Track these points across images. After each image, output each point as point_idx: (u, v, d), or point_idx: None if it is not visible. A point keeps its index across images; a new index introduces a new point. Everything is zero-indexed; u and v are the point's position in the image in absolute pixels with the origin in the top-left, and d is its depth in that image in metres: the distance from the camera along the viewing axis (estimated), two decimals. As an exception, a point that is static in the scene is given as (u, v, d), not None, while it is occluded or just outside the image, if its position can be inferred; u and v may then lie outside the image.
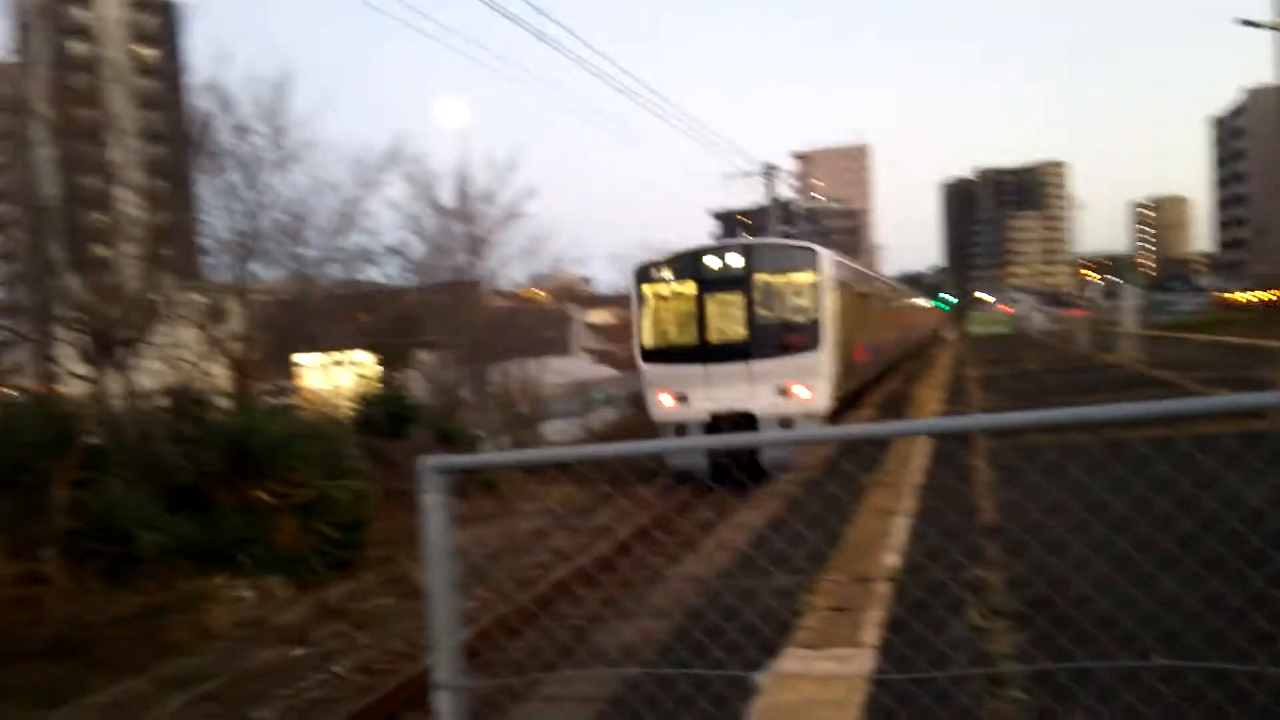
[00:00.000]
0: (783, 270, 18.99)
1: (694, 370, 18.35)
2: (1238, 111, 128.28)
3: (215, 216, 18.79)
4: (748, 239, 24.86)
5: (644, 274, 19.50)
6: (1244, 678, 4.27)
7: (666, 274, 19.21)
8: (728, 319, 18.57)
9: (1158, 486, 5.51)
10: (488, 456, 4.09)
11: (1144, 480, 5.40)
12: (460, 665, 3.19)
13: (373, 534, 13.94)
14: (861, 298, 25.62)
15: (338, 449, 14.61)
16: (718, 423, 18.03)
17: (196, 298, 18.22)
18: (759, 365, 18.09)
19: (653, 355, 19.04)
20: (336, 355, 21.91)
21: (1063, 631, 4.68)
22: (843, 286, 21.06)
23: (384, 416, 18.48)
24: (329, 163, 34.32)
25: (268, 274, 19.89)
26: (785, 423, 17.88)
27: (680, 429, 18.23)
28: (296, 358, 23.44)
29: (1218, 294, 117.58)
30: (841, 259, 23.24)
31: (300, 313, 19.13)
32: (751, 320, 18.45)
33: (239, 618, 11.55)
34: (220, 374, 18.38)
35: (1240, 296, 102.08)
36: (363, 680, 9.71)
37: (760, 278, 18.73)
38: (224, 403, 16.69)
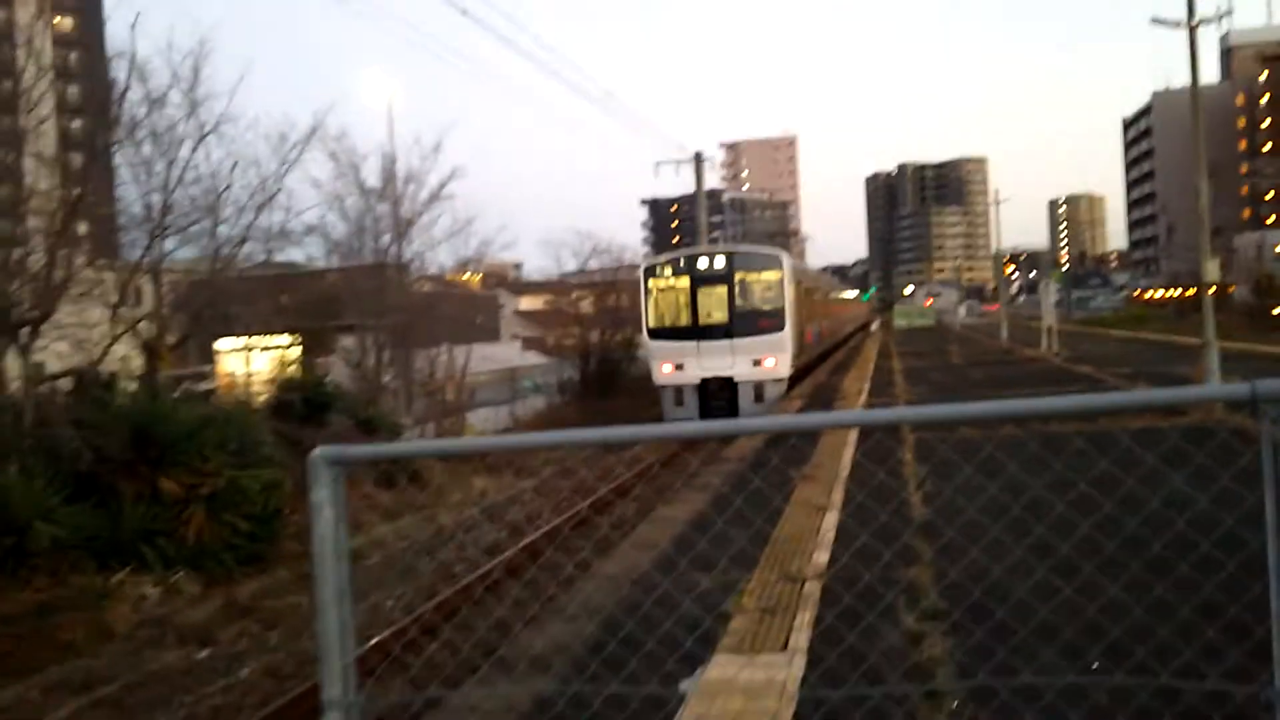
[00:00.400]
0: (756, 269, 24.37)
1: (689, 345, 23.48)
2: (1145, 113, 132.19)
3: (129, 192, 17.96)
4: (729, 245, 31.42)
5: (650, 271, 24.85)
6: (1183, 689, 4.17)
7: (667, 271, 24.39)
8: (715, 306, 23.69)
9: (1077, 477, 5.49)
10: (389, 446, 3.85)
11: (1062, 469, 5.37)
12: (353, 680, 2.89)
13: (288, 526, 13.37)
14: (809, 293, 31.33)
15: (251, 437, 14.00)
16: (706, 385, 23.33)
17: (107, 276, 17.36)
18: (739, 342, 23.20)
19: (656, 334, 24.21)
20: (256, 339, 21.16)
21: (996, 638, 4.55)
22: (798, 284, 26.62)
23: (301, 403, 17.88)
24: (249, 138, 33.15)
25: (183, 253, 19.15)
26: (758, 386, 23.26)
27: (679, 390, 23.53)
28: (216, 342, 22.65)
29: (1132, 291, 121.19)
30: (796, 263, 28.86)
31: (216, 293, 18.34)
32: (732, 307, 23.59)
33: (141, 616, 10.94)
34: (131, 356, 17.59)
35: (1154, 294, 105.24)
36: (271, 685, 9.24)
37: (739, 275, 23.89)
38: (132, 386, 15.94)
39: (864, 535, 7.92)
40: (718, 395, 23.53)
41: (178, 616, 11.00)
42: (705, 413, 23.22)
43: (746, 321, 23.54)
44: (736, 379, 23.20)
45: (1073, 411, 2.74)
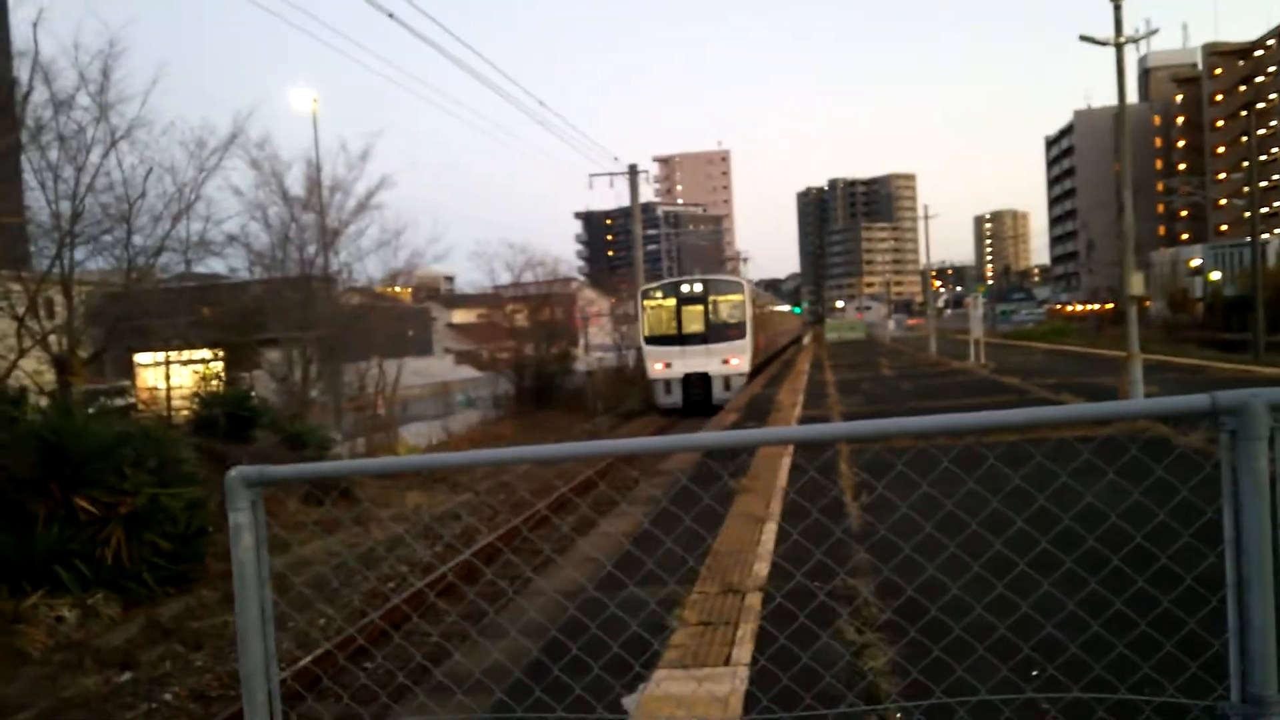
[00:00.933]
0: (724, 293, 32.69)
1: (675, 349, 31.41)
2: (1067, 131, 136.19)
3: (36, 198, 17.22)
4: (705, 275, 38.38)
5: (645, 293, 33.02)
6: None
7: (658, 294, 32.52)
8: (694, 320, 31.77)
9: (1015, 490, 5.49)
10: (314, 466, 3.60)
11: (1001, 484, 5.39)
12: (279, 711, 2.77)
13: (212, 545, 12.94)
14: (762, 309, 40.34)
15: (173, 454, 13.50)
16: (688, 378, 31.30)
17: (14, 287, 16.61)
18: (712, 346, 31.22)
19: (650, 340, 32.23)
20: (177, 353, 20.50)
21: (932, 651, 4.52)
22: (754, 303, 34.95)
23: (225, 418, 17.35)
24: (164, 144, 32.23)
25: (97, 263, 18.44)
26: (727, 379, 31.06)
27: (667, 382, 31.56)
28: (136, 356, 21.90)
29: (1054, 305, 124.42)
30: (754, 287, 38.23)
31: (132, 305, 17.66)
32: (708, 321, 31.79)
33: (57, 640, 10.46)
34: (42, 371, 16.88)
35: (1075, 307, 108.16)
36: (196, 709, 8.92)
37: (712, 297, 32.12)
38: (43, 402, 15.30)
39: (804, 545, 7.93)
40: (696, 385, 31.45)
41: (96, 639, 10.56)
42: (687, 399, 31.46)
43: (718, 331, 31.85)
44: (710, 374, 31.40)
45: (1025, 424, 2.67)
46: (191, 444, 14.78)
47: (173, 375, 19.90)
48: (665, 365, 31.53)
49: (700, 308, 32.03)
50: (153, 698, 9.14)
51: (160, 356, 20.18)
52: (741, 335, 31.95)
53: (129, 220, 17.76)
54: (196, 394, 18.78)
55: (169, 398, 19.40)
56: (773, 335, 47.51)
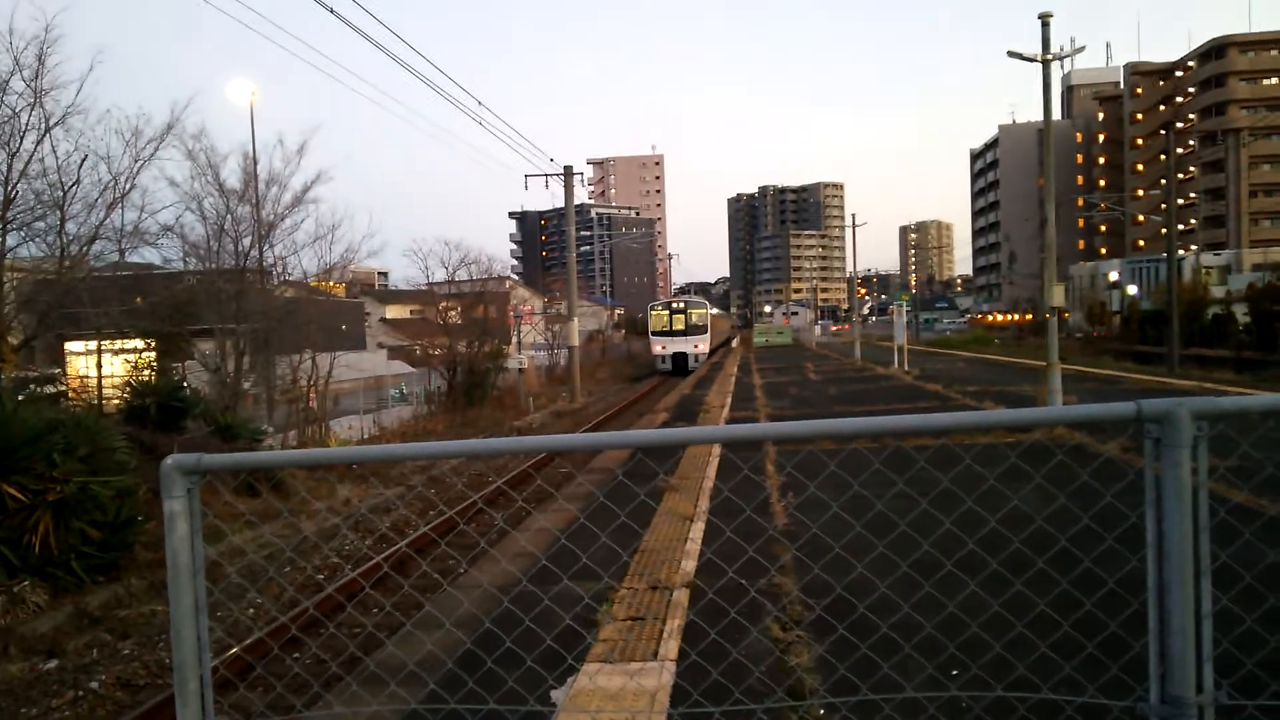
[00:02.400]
0: (695, 308, 57.18)
1: (667, 338, 55.17)
2: (990, 145, 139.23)
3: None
4: (686, 297, 66.68)
5: (651, 307, 59.21)
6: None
7: (659, 308, 57.64)
8: (679, 322, 55.53)
9: (933, 489, 5.73)
10: (251, 455, 3.68)
11: (918, 482, 5.58)
12: (211, 701, 2.79)
13: (141, 534, 12.87)
14: (715, 316, 65.39)
15: (103, 442, 13.40)
16: (675, 355, 54.84)
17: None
18: (688, 337, 55.14)
19: (654, 333, 56.10)
20: (109, 342, 20.17)
21: (859, 649, 4.67)
22: (712, 313, 61.87)
23: (157, 408, 17.18)
24: (100, 132, 31.58)
25: (29, 250, 18.11)
26: (696, 355, 55.16)
27: (663, 357, 54.81)
28: (68, 344, 21.49)
29: (976, 314, 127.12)
30: (710, 305, 65.37)
31: (64, 293, 17.40)
32: (686, 323, 55.47)
33: (-19, 627, 10.38)
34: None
35: (996, 317, 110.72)
36: (123, 697, 8.92)
37: (689, 310, 56.43)
38: (-31, 388, 15.04)
39: (729, 543, 8.23)
40: (678, 359, 54.69)
41: (22, 626, 10.47)
42: (674, 366, 54.71)
43: (691, 329, 55.59)
44: (687, 352, 55.02)
45: (951, 428, 2.90)
46: (123, 433, 14.64)
47: (104, 364, 19.61)
48: (662, 347, 55.92)
49: (682, 315, 56.27)
50: (79, 685, 9.07)
51: (92, 345, 19.86)
52: (704, 331, 56.46)
53: (62, 208, 17.52)
54: (128, 383, 18.54)
55: (100, 386, 19.13)
56: (719, 332, 74.01)
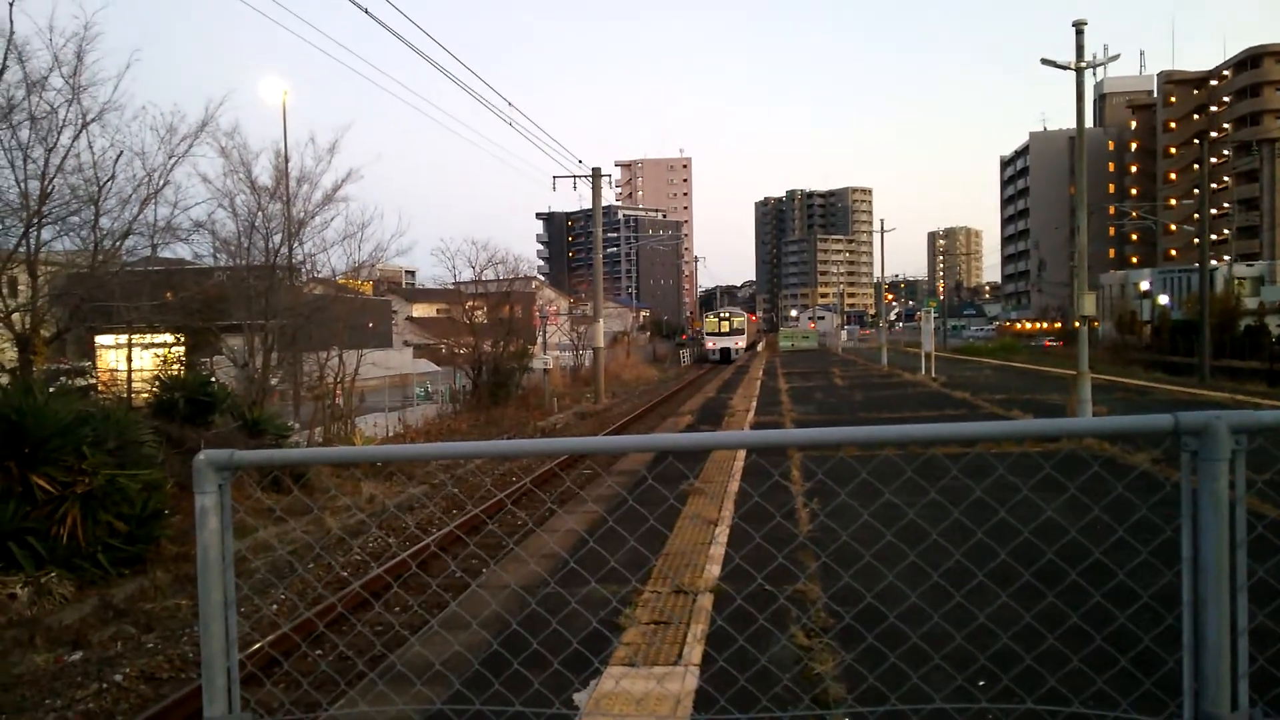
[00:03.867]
0: (738, 316, 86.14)
1: (717, 338, 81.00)
2: (1021, 152, 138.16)
3: (4, 177, 17.04)
4: (730, 309, 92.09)
5: (705, 317, 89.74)
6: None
7: (711, 316, 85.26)
8: (725, 326, 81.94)
9: (961, 496, 5.65)
10: (283, 452, 3.70)
11: (948, 491, 5.51)
12: (238, 696, 2.78)
13: (168, 528, 12.94)
14: (749, 321, 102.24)
15: (132, 435, 13.48)
16: (722, 350, 79.49)
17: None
18: (731, 336, 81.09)
19: (708, 334, 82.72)
20: (139, 336, 20.34)
21: (885, 658, 4.63)
22: (749, 319, 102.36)
23: (185, 403, 17.30)
24: (135, 129, 31.80)
25: (63, 244, 18.30)
26: (737, 349, 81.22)
27: (713, 350, 79.83)
28: (98, 338, 21.67)
29: (1004, 322, 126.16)
30: (749, 314, 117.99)
31: (97, 287, 17.55)
32: (731, 326, 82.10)
33: (9, 617, 10.43)
34: (4, 349, 16.73)
35: (1024, 325, 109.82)
36: (146, 690, 8.94)
37: (733, 317, 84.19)
38: (3, 380, 15.17)
39: (755, 548, 8.16)
40: (724, 352, 78.02)
41: (48, 618, 10.54)
42: (721, 358, 77.36)
43: (734, 331, 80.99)
44: (730, 348, 78.87)
45: (981, 437, 2.83)
46: (151, 427, 14.73)
47: (134, 358, 19.76)
48: (713, 344, 78.59)
49: (727, 321, 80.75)
50: (103, 678, 9.08)
51: (122, 339, 20.02)
52: (743, 333, 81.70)
53: (97, 203, 17.62)
54: (157, 377, 18.68)
55: (129, 380, 19.28)
56: (751, 333, 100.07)
